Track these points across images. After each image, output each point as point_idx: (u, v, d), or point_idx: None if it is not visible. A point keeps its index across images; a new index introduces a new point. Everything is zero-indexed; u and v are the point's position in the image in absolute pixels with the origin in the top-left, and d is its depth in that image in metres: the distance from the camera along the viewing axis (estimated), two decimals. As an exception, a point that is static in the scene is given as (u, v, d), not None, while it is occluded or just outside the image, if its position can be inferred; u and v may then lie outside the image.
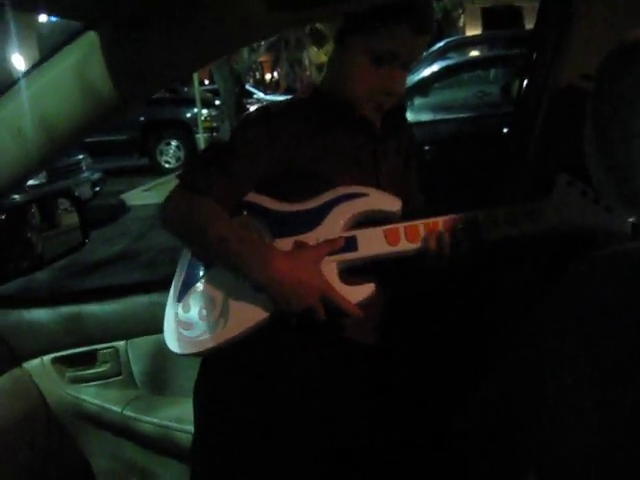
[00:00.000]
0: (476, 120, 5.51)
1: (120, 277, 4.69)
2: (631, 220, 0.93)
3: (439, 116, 5.62)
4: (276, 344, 1.17)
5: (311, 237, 1.15)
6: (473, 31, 16.25)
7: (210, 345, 1.14)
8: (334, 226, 1.15)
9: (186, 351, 1.17)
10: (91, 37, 1.10)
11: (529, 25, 11.49)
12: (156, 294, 1.58)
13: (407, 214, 1.17)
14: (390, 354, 1.32)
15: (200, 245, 1.19)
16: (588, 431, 0.58)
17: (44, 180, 5.98)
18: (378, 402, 1.28)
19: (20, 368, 1.57)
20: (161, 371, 1.68)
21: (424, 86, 5.76)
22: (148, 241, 6.03)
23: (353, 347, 1.22)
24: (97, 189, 7.55)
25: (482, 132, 4.57)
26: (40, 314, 1.58)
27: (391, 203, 1.17)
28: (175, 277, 1.25)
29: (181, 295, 1.21)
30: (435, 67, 6.13)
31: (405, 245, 1.13)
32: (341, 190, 1.17)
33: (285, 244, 1.15)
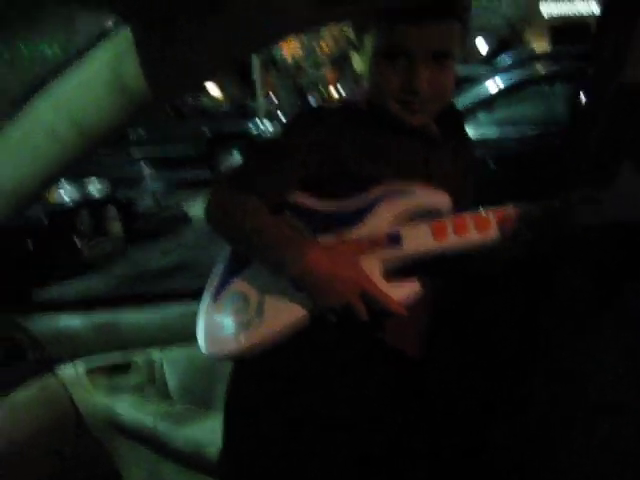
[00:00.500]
0: (542, 137, 5.30)
1: (174, 287, 4.73)
2: None
3: (505, 132, 5.45)
4: (311, 347, 1.09)
5: (353, 234, 1.09)
6: (539, 46, 15.87)
7: (242, 345, 1.07)
8: (379, 223, 1.09)
9: (217, 351, 1.11)
10: (125, 34, 1.08)
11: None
12: (196, 303, 1.53)
13: None
14: (429, 364, 1.24)
15: (238, 238, 1.14)
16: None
17: (108, 190, 6.15)
18: (412, 412, 1.21)
19: (54, 375, 1.55)
20: (197, 383, 1.64)
21: (489, 101, 5.61)
22: (207, 252, 6.08)
23: (392, 354, 1.14)
24: (160, 200, 7.72)
25: (548, 148, 4.39)
26: (75, 320, 1.56)
27: (439, 199, 1.11)
28: (211, 276, 1.19)
29: (216, 295, 1.16)
30: (500, 82, 5.96)
31: (474, 235, 1.06)
32: (385, 187, 1.11)
33: (326, 241, 1.09)
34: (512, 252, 1.11)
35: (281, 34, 1.15)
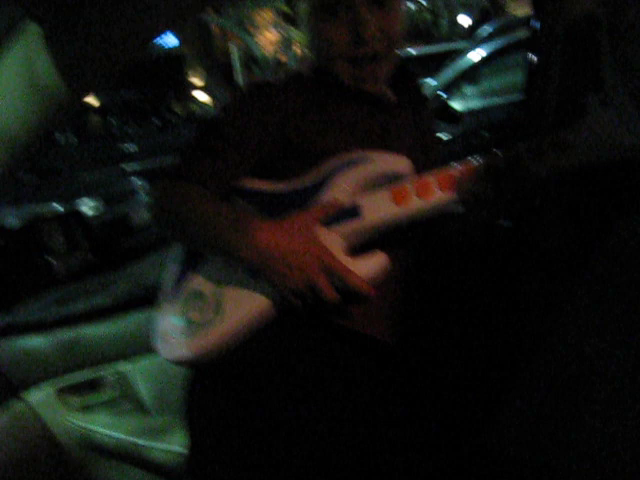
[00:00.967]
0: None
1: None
2: None
3: (491, 102, 5.34)
4: (276, 344, 0.99)
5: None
6: (522, 12, 15.63)
7: (204, 346, 0.96)
8: (337, 196, 0.99)
9: (177, 356, 0.99)
10: (34, 30, 0.99)
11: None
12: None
13: None
14: (405, 351, 1.13)
15: (184, 234, 1.04)
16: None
17: (102, 207, 6.03)
18: (392, 407, 1.10)
19: (19, 400, 1.47)
20: (172, 391, 1.55)
21: (472, 72, 5.50)
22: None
23: (363, 342, 1.03)
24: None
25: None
26: (35, 341, 1.48)
27: (399, 163, 1.01)
28: (163, 279, 1.10)
29: (170, 297, 1.06)
30: (482, 52, 5.85)
31: (439, 195, 0.95)
32: (339, 158, 1.02)
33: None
34: (482, 210, 0.98)
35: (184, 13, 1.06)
